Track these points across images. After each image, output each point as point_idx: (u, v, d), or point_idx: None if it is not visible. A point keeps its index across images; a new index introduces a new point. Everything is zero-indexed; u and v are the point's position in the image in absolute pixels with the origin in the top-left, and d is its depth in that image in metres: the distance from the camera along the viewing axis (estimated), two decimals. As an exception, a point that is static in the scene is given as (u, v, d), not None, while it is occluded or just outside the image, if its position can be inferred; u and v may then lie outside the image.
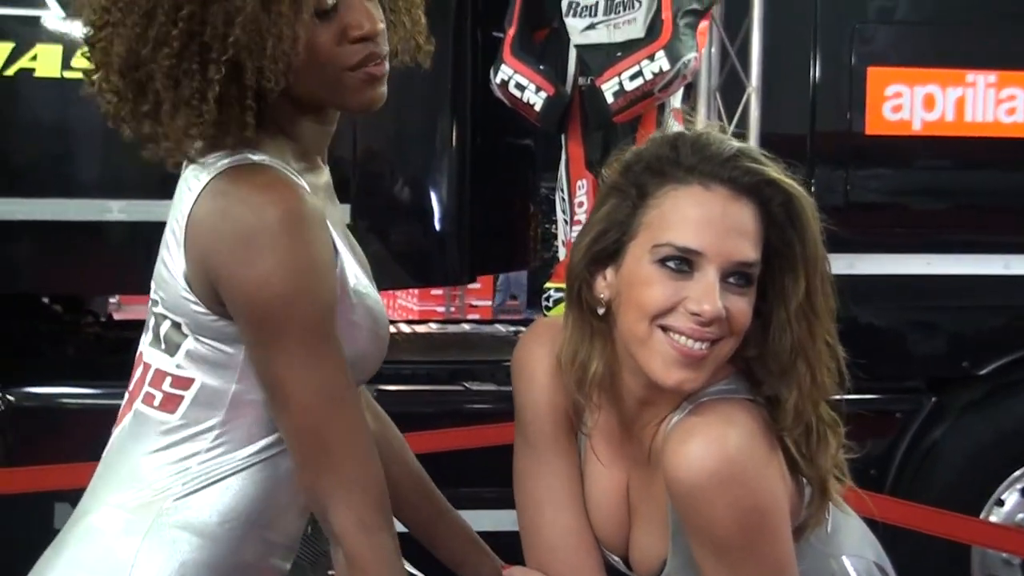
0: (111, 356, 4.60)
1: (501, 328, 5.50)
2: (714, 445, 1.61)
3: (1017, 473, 4.13)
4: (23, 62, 3.78)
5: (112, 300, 6.17)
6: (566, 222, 3.83)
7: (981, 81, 4.03)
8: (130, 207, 3.81)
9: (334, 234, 1.54)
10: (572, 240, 3.78)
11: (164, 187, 3.68)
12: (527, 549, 1.87)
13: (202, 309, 1.50)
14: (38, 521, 3.51)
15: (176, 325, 1.54)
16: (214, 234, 1.47)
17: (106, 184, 3.88)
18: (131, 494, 1.55)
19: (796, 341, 1.68)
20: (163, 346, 1.57)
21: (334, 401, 1.50)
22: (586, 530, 1.84)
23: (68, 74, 3.79)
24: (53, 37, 3.80)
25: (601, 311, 1.72)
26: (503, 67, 3.71)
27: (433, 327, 4.71)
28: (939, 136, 3.96)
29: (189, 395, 1.55)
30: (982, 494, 4.06)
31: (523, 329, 5.23)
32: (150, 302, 1.60)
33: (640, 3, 3.58)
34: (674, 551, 1.72)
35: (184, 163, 1.57)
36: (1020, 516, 4.11)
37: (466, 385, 4.15)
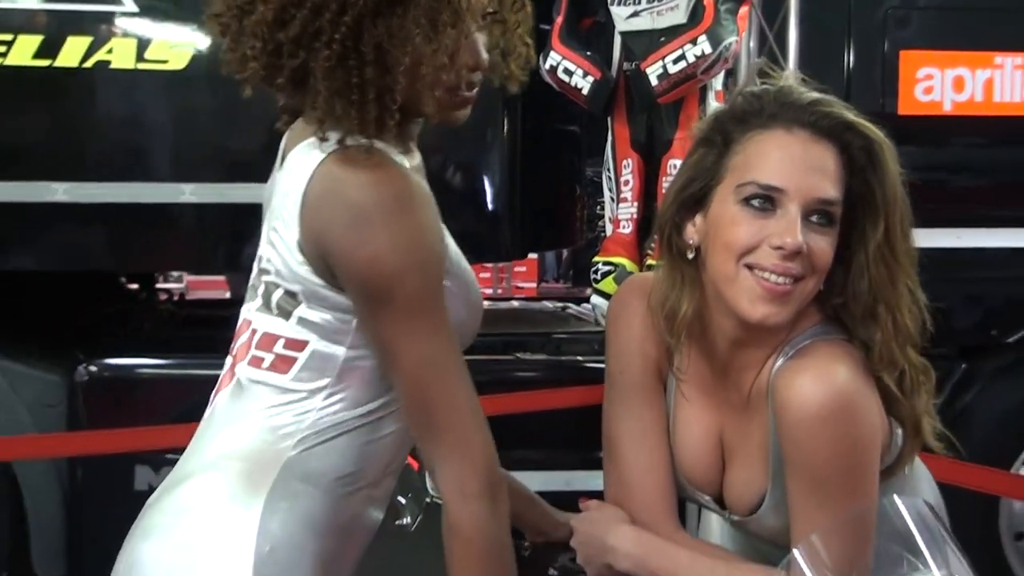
0: (183, 331, 4.67)
1: (548, 304, 5.51)
2: (825, 380, 1.65)
3: (1044, 437, 4.13)
4: (100, 55, 3.80)
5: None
6: (612, 200, 3.83)
7: (1009, 63, 4.01)
8: (202, 190, 3.84)
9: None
10: (618, 218, 3.79)
11: (230, 172, 3.76)
12: (607, 487, 1.93)
13: (317, 280, 1.52)
14: (120, 482, 3.56)
15: (289, 293, 1.55)
16: (329, 212, 1.48)
17: (181, 170, 3.90)
18: (244, 447, 1.57)
19: (875, 284, 1.71)
20: (275, 312, 1.58)
21: (440, 371, 1.51)
22: (663, 470, 1.87)
23: (142, 66, 3.83)
24: (128, 32, 3.82)
25: (691, 255, 1.75)
26: (552, 54, 3.72)
27: (485, 304, 4.71)
28: (969, 116, 3.93)
29: (302, 357, 1.56)
30: (1012, 454, 4.06)
31: (570, 304, 5.27)
32: (257, 270, 1.62)
33: (682, -10, 3.57)
34: (773, 487, 1.76)
35: (285, 141, 1.61)
36: (1048, 475, 4.08)
37: (518, 355, 4.18)
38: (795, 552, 1.60)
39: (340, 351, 1.56)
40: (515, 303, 5.99)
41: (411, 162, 1.61)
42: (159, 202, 3.86)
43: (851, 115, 1.72)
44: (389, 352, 1.51)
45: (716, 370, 1.81)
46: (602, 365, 4.06)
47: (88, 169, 3.84)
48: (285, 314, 1.57)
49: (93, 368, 3.89)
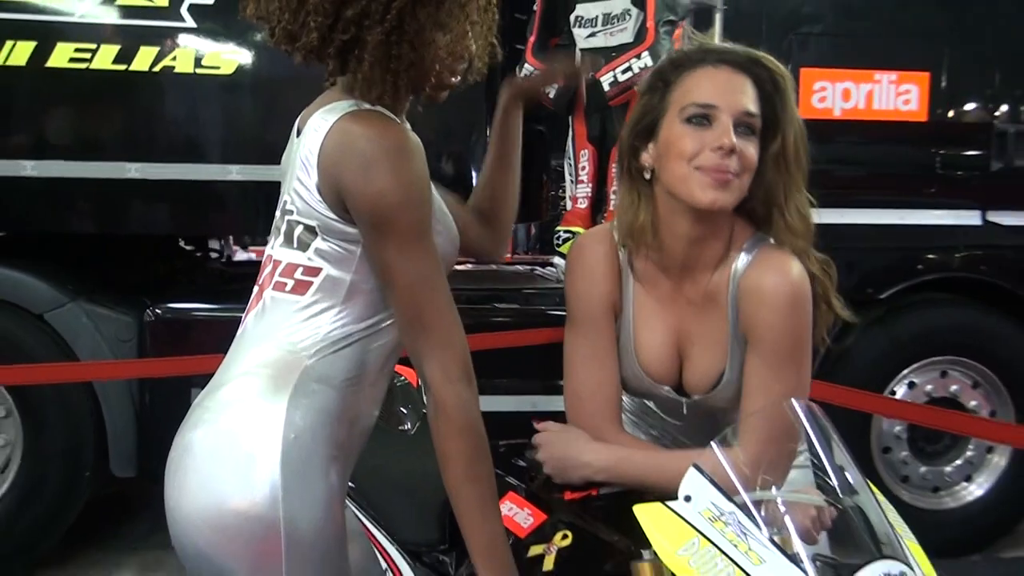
0: (228, 284, 4.66)
1: (520, 267, 5.51)
2: (788, 274, 1.73)
3: (906, 371, 4.16)
4: (165, 62, 3.77)
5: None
6: (572, 182, 3.83)
7: (885, 79, 4.02)
8: (246, 170, 3.83)
9: None
10: (576, 196, 3.78)
11: (269, 155, 3.74)
12: (565, 401, 1.93)
13: (331, 215, 1.54)
14: (178, 400, 3.50)
15: (308, 228, 1.57)
16: (343, 160, 1.50)
17: (229, 153, 3.87)
18: (272, 356, 1.57)
19: (770, 188, 1.76)
20: (295, 245, 1.59)
21: (428, 283, 1.52)
22: (610, 385, 1.88)
23: (199, 71, 3.80)
24: (187, 44, 3.78)
25: (647, 176, 1.79)
26: (526, 65, 3.71)
27: (469, 266, 4.71)
28: (853, 120, 3.95)
29: (317, 281, 1.57)
30: (880, 389, 4.09)
31: (537, 267, 5.25)
32: (281, 213, 1.63)
33: (629, 17, 3.59)
34: (731, 366, 1.78)
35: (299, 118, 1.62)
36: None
37: (495, 305, 4.18)
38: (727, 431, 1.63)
39: (347, 276, 1.57)
40: (493, 266, 5.96)
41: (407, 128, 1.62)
42: (211, 179, 3.85)
43: (759, 53, 1.79)
44: (388, 271, 1.52)
45: (674, 276, 1.82)
46: (562, 313, 4.07)
47: (155, 152, 3.82)
48: (304, 246, 1.58)
49: (158, 311, 3.89)
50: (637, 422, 2.04)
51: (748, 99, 1.74)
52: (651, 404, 1.98)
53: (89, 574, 3.91)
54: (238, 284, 4.53)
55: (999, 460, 4.26)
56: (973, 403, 4.20)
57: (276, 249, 1.63)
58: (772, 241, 1.81)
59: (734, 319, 1.77)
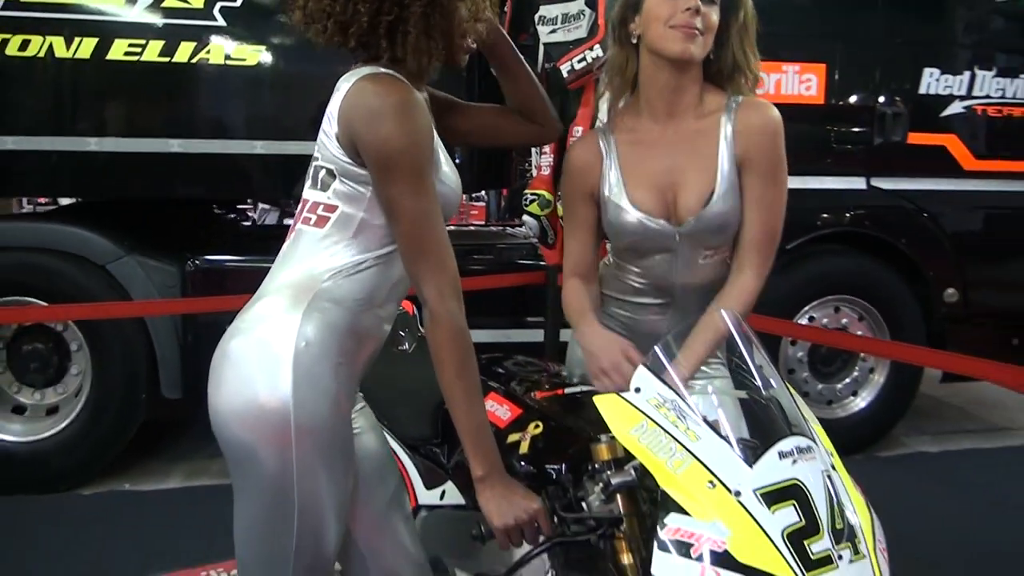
0: (256, 242, 4.62)
1: (494, 228, 5.49)
2: (774, 109, 1.80)
3: (806, 308, 4.19)
4: (201, 55, 3.71)
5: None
6: (537, 153, 3.80)
7: (791, 69, 4.02)
8: (267, 145, 3.77)
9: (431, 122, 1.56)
10: (541, 164, 3.75)
11: (288, 132, 3.71)
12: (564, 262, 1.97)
13: (347, 159, 1.52)
14: (215, 334, 3.47)
15: (329, 171, 1.55)
16: (356, 111, 1.49)
17: (253, 131, 3.81)
18: (295, 279, 1.56)
19: (735, 50, 1.79)
20: (319, 186, 1.57)
21: (427, 219, 1.50)
22: (589, 245, 1.92)
23: (228, 63, 3.74)
24: (219, 40, 3.72)
25: (634, 40, 1.81)
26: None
27: (451, 227, 4.68)
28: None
29: (334, 216, 1.56)
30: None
31: (508, 227, 5.23)
32: (312, 161, 1.61)
33: (584, 16, 3.54)
34: (721, 182, 1.77)
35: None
36: (808, 333, 4.14)
37: (475, 256, 4.15)
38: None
39: (358, 214, 1.55)
40: (472, 227, 5.95)
41: (422, 94, 1.59)
42: (240, 153, 3.80)
43: None
44: (393, 207, 1.50)
45: (661, 122, 1.82)
46: (529, 262, 4.05)
47: (193, 131, 3.76)
48: (325, 187, 1.56)
49: (197, 262, 3.86)
50: (625, 274, 1.95)
51: None
52: (643, 252, 1.89)
53: (145, 480, 3.90)
54: (261, 242, 4.54)
55: (879, 378, 4.31)
56: (860, 332, 4.23)
57: (306, 191, 1.62)
58: (741, 98, 1.82)
59: (730, 152, 1.77)
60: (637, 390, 1.46)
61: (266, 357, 1.49)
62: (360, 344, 1.59)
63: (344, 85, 1.53)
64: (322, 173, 1.57)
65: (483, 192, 6.51)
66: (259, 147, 3.77)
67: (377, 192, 1.52)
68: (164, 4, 3.66)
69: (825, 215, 4.17)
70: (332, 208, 1.55)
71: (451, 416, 1.54)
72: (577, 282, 1.92)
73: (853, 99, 4.17)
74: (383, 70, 1.53)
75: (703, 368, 1.78)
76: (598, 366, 1.74)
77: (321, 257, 1.55)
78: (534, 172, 3.82)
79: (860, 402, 4.30)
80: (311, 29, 1.56)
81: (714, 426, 1.42)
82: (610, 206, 1.83)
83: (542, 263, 3.97)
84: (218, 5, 3.69)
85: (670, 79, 1.79)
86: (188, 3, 3.67)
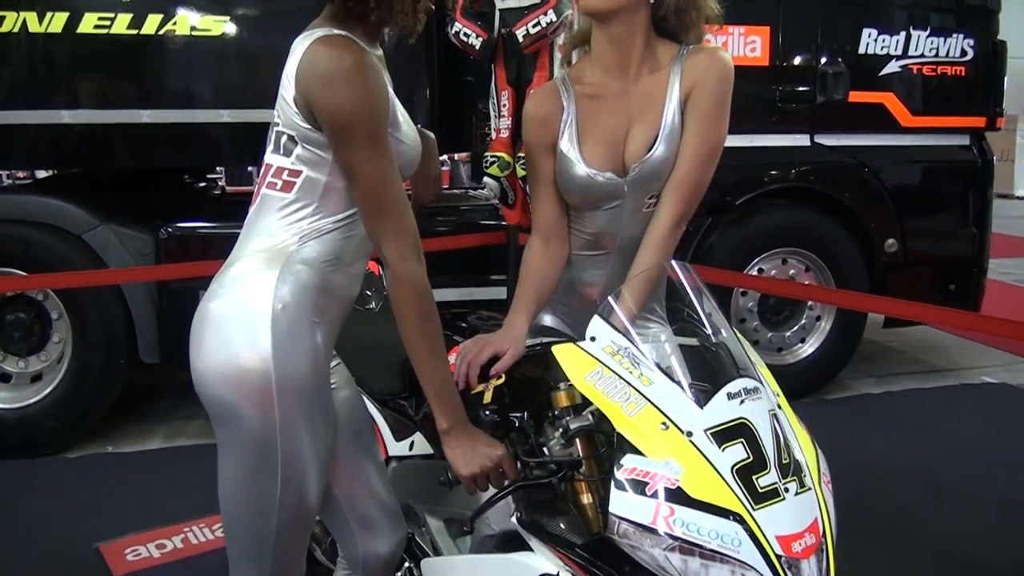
0: (225, 208, 4.54)
1: (456, 191, 5.45)
2: (726, 54, 1.74)
3: (756, 260, 4.21)
4: (168, 27, 3.62)
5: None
6: (496, 117, 3.76)
7: (736, 31, 4.00)
8: (233, 114, 3.71)
9: (388, 81, 1.52)
10: (499, 128, 3.71)
11: (255, 101, 3.63)
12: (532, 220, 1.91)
13: (305, 124, 1.48)
14: (189, 299, 3.42)
15: (291, 137, 1.51)
16: (311, 75, 1.44)
17: (220, 100, 3.74)
18: (266, 243, 1.53)
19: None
20: (282, 151, 1.53)
21: (385, 180, 1.47)
22: (552, 197, 1.84)
23: (194, 34, 3.65)
24: (184, 11, 3.63)
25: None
26: (455, 23, 3.62)
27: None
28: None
29: (299, 181, 1.52)
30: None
31: (470, 189, 5.18)
32: (273, 125, 1.56)
33: (538, -18, 3.48)
34: (664, 127, 1.72)
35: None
36: (757, 284, 4.16)
37: (438, 217, 4.13)
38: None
39: (322, 177, 1.51)
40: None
41: (375, 52, 1.55)
42: (207, 121, 3.73)
43: None
44: (351, 169, 1.47)
45: (616, 77, 1.77)
46: (490, 223, 4.01)
47: (163, 101, 3.68)
48: (288, 152, 1.52)
49: (170, 229, 3.80)
50: (572, 227, 1.90)
51: None
52: (592, 204, 1.84)
53: (127, 441, 3.86)
54: (230, 208, 4.47)
55: (825, 325, 4.36)
56: (806, 282, 4.27)
57: (269, 155, 1.57)
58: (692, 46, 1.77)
59: (677, 97, 1.71)
60: (592, 339, 1.46)
61: (245, 318, 1.47)
62: (333, 302, 1.57)
63: (299, 47, 1.48)
64: (284, 138, 1.52)
65: (445, 157, 6.43)
66: (226, 115, 3.70)
67: (335, 156, 1.48)
68: (129, -21, 3.56)
69: (773, 171, 4.18)
70: (296, 173, 1.51)
71: (415, 372, 1.52)
72: (537, 248, 1.84)
73: (797, 60, 4.16)
74: (337, 31, 1.48)
75: (644, 322, 1.75)
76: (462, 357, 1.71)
77: (289, 221, 1.52)
78: (493, 135, 3.78)
79: (808, 348, 4.34)
80: None
81: (667, 371, 1.42)
82: (563, 160, 1.78)
83: (503, 223, 3.96)
84: (182, -22, 3.59)
85: (604, 32, 1.74)
86: (153, -23, 3.57)
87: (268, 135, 1.57)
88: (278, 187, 1.53)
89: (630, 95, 1.76)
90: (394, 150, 1.49)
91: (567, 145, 1.77)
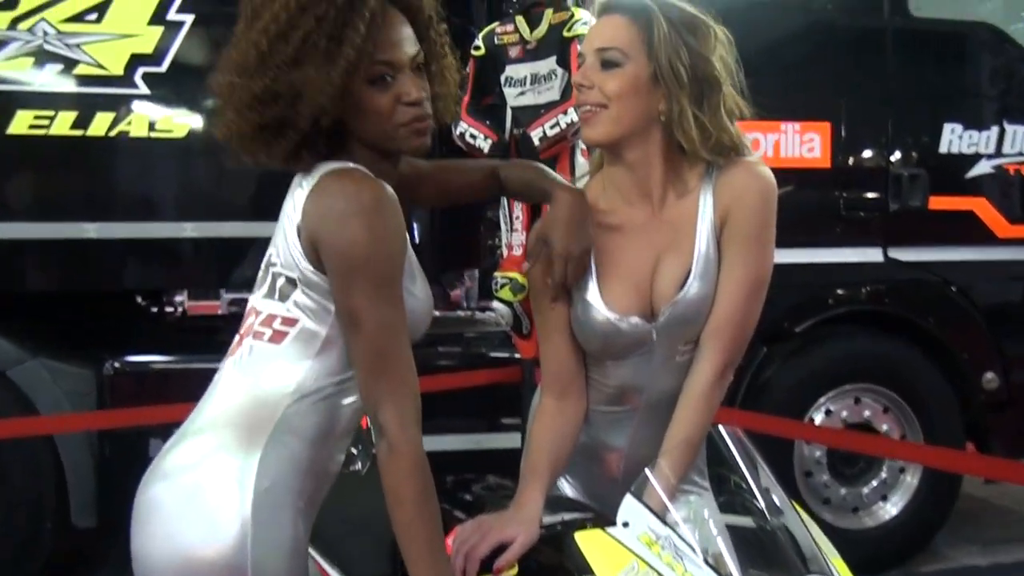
0: (186, 335, 4.59)
1: (461, 312, 5.48)
2: (763, 167, 1.76)
3: (822, 399, 4.17)
4: (121, 127, 3.73)
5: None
6: (507, 230, 3.82)
7: (790, 129, 4.10)
8: (200, 227, 3.79)
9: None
10: (512, 244, 3.77)
11: (220, 213, 3.72)
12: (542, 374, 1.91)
13: (308, 266, 1.52)
14: (137, 451, 3.43)
15: (289, 280, 1.55)
16: (322, 212, 1.49)
17: (183, 211, 3.85)
18: (246, 407, 1.54)
19: (669, 112, 1.73)
20: (277, 295, 1.56)
21: (393, 331, 1.49)
22: (570, 360, 1.84)
23: (153, 135, 3.76)
24: (142, 110, 3.76)
25: None
26: (461, 123, 3.71)
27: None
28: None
29: (294, 332, 1.55)
30: (800, 416, 4.09)
31: (477, 311, 5.23)
32: (267, 265, 1.60)
33: (556, 76, 3.60)
34: (698, 260, 1.74)
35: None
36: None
37: (439, 348, 4.15)
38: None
39: (322, 330, 1.54)
40: (436, 312, 5.93)
41: (393, 179, 1.60)
42: (168, 237, 3.81)
43: None
44: (355, 317, 1.49)
45: (635, 201, 1.79)
46: (501, 355, 4.04)
47: (112, 213, 3.77)
48: (284, 298, 1.55)
49: (116, 364, 3.82)
50: (590, 381, 1.89)
51: (603, 36, 1.74)
52: (616, 354, 1.83)
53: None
54: (193, 336, 4.49)
55: (911, 480, 4.27)
56: (885, 427, 4.22)
57: (259, 300, 1.60)
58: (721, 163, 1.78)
59: (710, 224, 1.73)
60: (625, 524, 1.45)
61: (212, 504, 1.47)
62: (318, 484, 1.58)
63: (306, 183, 1.53)
64: (280, 281, 1.56)
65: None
66: (190, 229, 3.79)
67: (337, 301, 1.51)
68: (76, 71, 3.69)
69: (838, 292, 4.21)
70: (291, 322, 1.54)
71: (406, 564, 1.51)
72: (550, 407, 1.84)
73: (864, 161, 4.25)
74: (350, 164, 1.54)
75: (683, 493, 1.74)
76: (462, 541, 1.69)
77: (278, 379, 1.54)
78: (504, 252, 3.84)
79: (892, 508, 4.25)
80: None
81: (716, 566, 1.41)
82: (580, 303, 1.79)
83: (516, 356, 3.96)
84: (140, 70, 3.73)
85: (615, 160, 1.78)
86: (105, 68, 3.70)
87: (259, 277, 1.62)
88: (266, 337, 1.56)
89: (655, 225, 1.78)
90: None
91: (584, 286, 1.78)
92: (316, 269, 1.51)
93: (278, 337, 1.54)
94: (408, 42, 1.56)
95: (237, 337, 1.62)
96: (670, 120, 1.72)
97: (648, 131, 1.74)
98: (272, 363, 1.54)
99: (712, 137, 1.71)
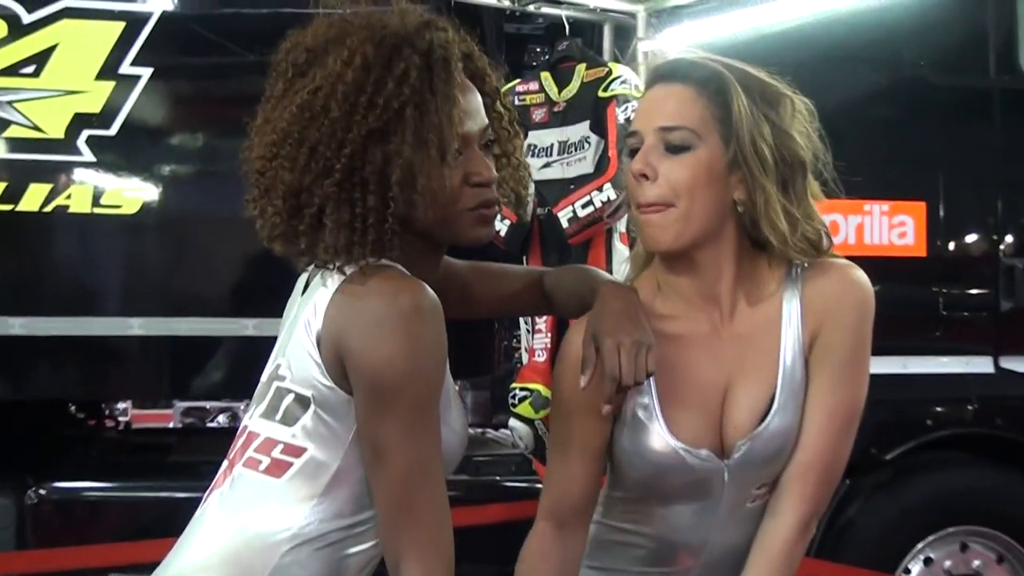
0: (130, 455, 4.56)
1: (469, 430, 5.44)
2: (856, 271, 1.75)
3: (920, 545, 4.08)
4: (59, 200, 3.77)
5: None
6: (528, 331, 3.82)
7: (876, 210, 4.09)
8: (149, 324, 3.77)
9: None
10: (534, 348, 3.76)
11: (177, 306, 3.72)
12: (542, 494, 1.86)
13: (328, 383, 1.49)
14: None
15: (300, 399, 1.53)
16: (350, 318, 1.47)
17: (131, 304, 3.85)
18: (237, 552, 1.53)
19: (748, 202, 1.71)
20: (279, 416, 1.54)
21: (426, 469, 1.48)
22: (585, 487, 1.80)
23: (97, 210, 3.79)
24: (85, 181, 3.80)
25: None
26: (474, 199, 3.72)
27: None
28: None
29: (298, 463, 1.53)
30: (893, 563, 4.00)
31: (489, 429, 5.21)
32: (269, 378, 1.59)
33: (589, 144, 3.64)
34: (783, 384, 1.72)
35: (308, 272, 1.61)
36: (926, 583, 4.06)
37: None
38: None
39: (334, 462, 1.52)
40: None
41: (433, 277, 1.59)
42: (109, 334, 3.80)
43: (697, 55, 1.77)
44: (382, 450, 1.47)
45: (701, 305, 1.77)
46: (520, 484, 4.02)
47: (43, 304, 3.78)
48: (290, 420, 1.53)
49: (42, 491, 3.78)
50: (623, 533, 1.86)
51: (667, 111, 1.71)
52: (667, 496, 1.80)
53: None
54: (138, 456, 4.46)
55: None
56: (999, 583, 4.15)
57: (255, 420, 1.58)
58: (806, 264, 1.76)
59: (796, 338, 1.73)
60: None
61: None
62: None
63: (330, 281, 1.52)
64: (288, 400, 1.54)
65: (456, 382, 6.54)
66: (137, 326, 3.78)
67: (361, 427, 1.49)
68: (7, 133, 3.74)
69: (939, 411, 4.17)
70: (297, 451, 1.52)
71: None
72: (549, 535, 1.79)
73: (968, 248, 4.25)
74: (387, 262, 1.52)
75: None
76: None
77: (275, 520, 1.52)
78: (524, 357, 3.82)
79: None
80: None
81: None
82: (634, 426, 1.75)
83: (538, 485, 3.91)
84: (84, 133, 3.78)
85: (672, 263, 1.76)
86: (41, 131, 3.75)
87: (258, 392, 1.60)
88: (263, 467, 1.54)
89: (723, 339, 1.76)
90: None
91: (640, 403, 1.74)
92: (338, 385, 1.49)
93: (278, 469, 1.53)
94: (481, 114, 1.59)
95: (225, 464, 1.60)
96: (752, 212, 1.70)
97: (722, 227, 1.72)
98: (268, 499, 1.53)
99: (798, 229, 1.69)
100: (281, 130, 1.51)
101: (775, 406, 1.72)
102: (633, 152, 1.72)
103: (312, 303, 1.52)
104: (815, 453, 1.73)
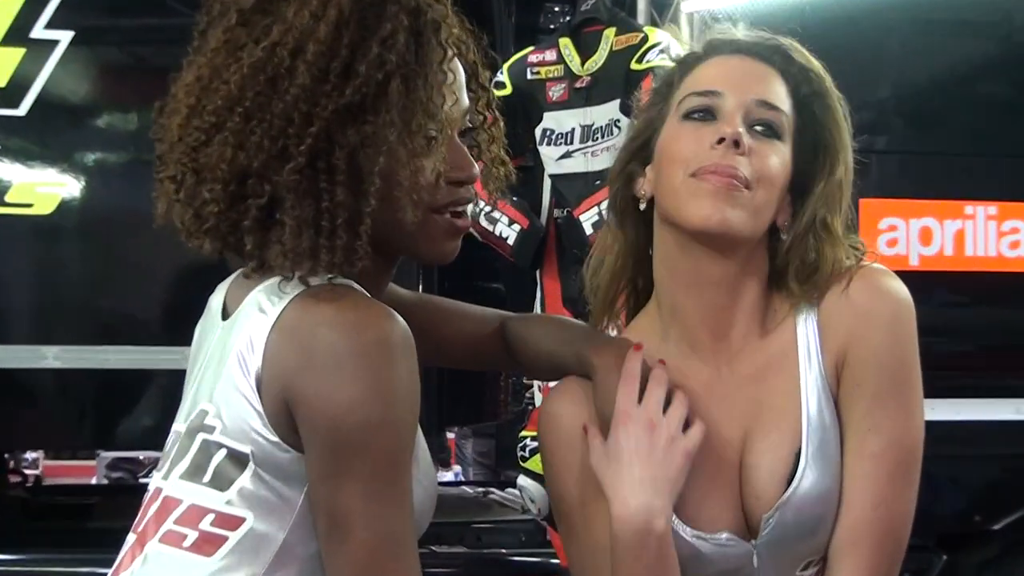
0: (40, 517, 4.59)
1: (468, 490, 5.49)
2: (888, 277, 1.74)
3: (1039, 642, 4.12)
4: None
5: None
6: (538, 378, 3.82)
7: (981, 213, 4.09)
8: (66, 354, 3.78)
9: None
10: (548, 386, 3.77)
11: (104, 333, 3.74)
12: None
13: (273, 437, 1.48)
14: None
15: (236, 456, 1.50)
16: (299, 355, 1.45)
17: (43, 331, 3.89)
18: None
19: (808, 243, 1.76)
20: (207, 478, 1.52)
21: (396, 543, 1.47)
22: None
23: (2, 209, 3.82)
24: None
25: (642, 206, 1.78)
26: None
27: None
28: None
29: (235, 537, 1.50)
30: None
31: (493, 489, 5.24)
32: (190, 430, 1.56)
33: (619, 129, 3.58)
34: (808, 432, 1.72)
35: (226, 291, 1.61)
36: None
37: (432, 548, 4.12)
38: None
39: (280, 535, 1.50)
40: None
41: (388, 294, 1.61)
42: (15, 367, 3.81)
43: (787, 42, 1.81)
44: (343, 523, 1.45)
45: (704, 347, 1.79)
46: (533, 557, 4.05)
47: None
48: (223, 483, 1.51)
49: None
50: None
51: (769, 87, 1.75)
52: None
53: None
54: (50, 519, 4.48)
55: None
56: None
57: (172, 481, 1.56)
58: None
59: (818, 370, 1.74)
60: None
61: None
62: None
63: (267, 302, 1.50)
64: (219, 457, 1.52)
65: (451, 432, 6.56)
66: (52, 356, 3.79)
67: (316, 493, 1.48)
68: None
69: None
70: (234, 522, 1.50)
71: None
72: None
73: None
74: (342, 280, 1.50)
75: None
76: None
77: None
78: (537, 399, 3.84)
79: None
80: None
81: None
82: None
83: (553, 560, 3.95)
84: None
85: (699, 269, 1.75)
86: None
87: (173, 445, 1.59)
88: (188, 543, 1.51)
89: (733, 384, 1.78)
90: None
91: None
92: (285, 441, 1.48)
93: (209, 545, 1.50)
94: (464, 93, 1.60)
95: (131, 539, 1.58)
96: (808, 222, 1.74)
97: (759, 244, 1.77)
98: None
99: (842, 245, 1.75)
100: (226, 95, 1.50)
101: (802, 462, 1.72)
102: (699, 114, 1.74)
103: (246, 334, 1.50)
104: (864, 512, 1.71)
